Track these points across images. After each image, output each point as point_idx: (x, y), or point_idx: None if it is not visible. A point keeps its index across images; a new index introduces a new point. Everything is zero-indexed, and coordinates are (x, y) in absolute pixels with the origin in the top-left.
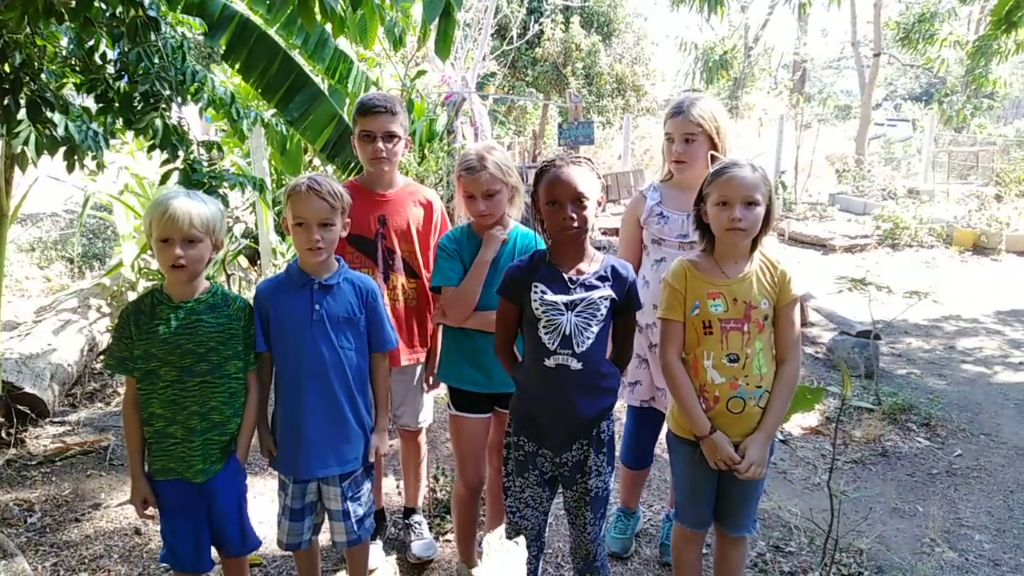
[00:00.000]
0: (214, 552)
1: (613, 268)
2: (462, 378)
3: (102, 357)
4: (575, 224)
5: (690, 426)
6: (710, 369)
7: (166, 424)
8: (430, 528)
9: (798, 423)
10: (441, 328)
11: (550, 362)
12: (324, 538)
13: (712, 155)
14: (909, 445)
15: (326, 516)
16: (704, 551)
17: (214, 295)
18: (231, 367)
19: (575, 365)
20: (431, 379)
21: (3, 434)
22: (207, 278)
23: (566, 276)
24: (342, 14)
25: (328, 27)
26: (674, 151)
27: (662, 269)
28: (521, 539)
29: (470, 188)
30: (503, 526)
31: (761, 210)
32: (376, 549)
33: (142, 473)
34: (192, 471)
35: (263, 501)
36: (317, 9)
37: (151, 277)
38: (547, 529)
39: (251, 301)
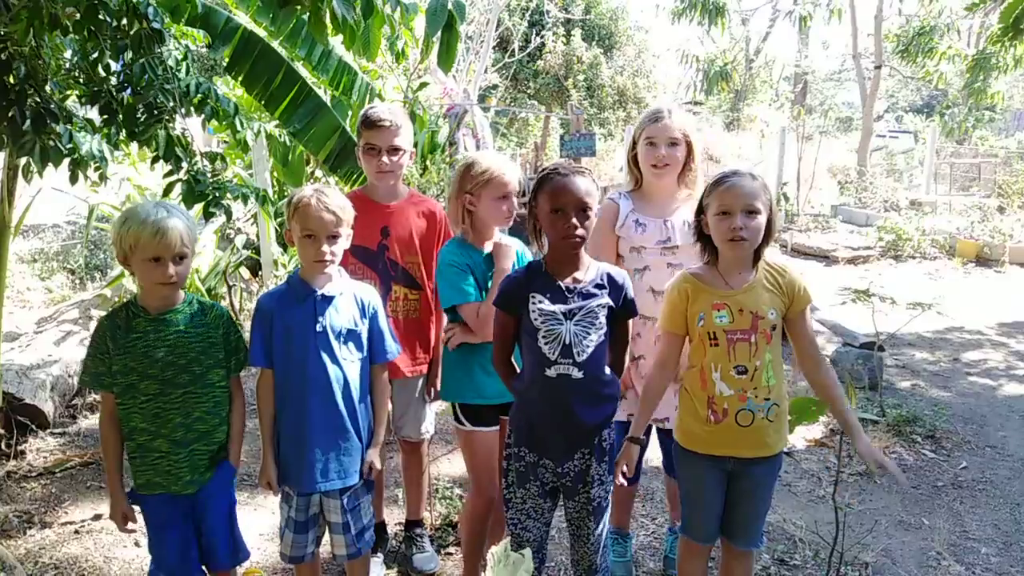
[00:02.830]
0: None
1: (609, 276)
2: (482, 392)
3: None
4: (579, 233)
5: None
6: (718, 381)
7: (150, 438)
8: (432, 541)
9: (802, 435)
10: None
11: (551, 372)
12: (324, 551)
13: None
14: (914, 457)
15: (327, 529)
16: (708, 564)
17: (190, 305)
18: (214, 376)
19: (576, 374)
20: (433, 391)
21: (3, 445)
22: (207, 290)
23: (563, 285)
24: (353, 25)
25: (332, 39)
26: (658, 155)
27: (648, 277)
28: (527, 551)
29: (503, 190)
30: (508, 539)
31: (763, 219)
32: (377, 562)
33: (120, 489)
34: (180, 483)
35: (263, 513)
36: (329, 20)
37: None
38: (548, 541)
39: (250, 312)
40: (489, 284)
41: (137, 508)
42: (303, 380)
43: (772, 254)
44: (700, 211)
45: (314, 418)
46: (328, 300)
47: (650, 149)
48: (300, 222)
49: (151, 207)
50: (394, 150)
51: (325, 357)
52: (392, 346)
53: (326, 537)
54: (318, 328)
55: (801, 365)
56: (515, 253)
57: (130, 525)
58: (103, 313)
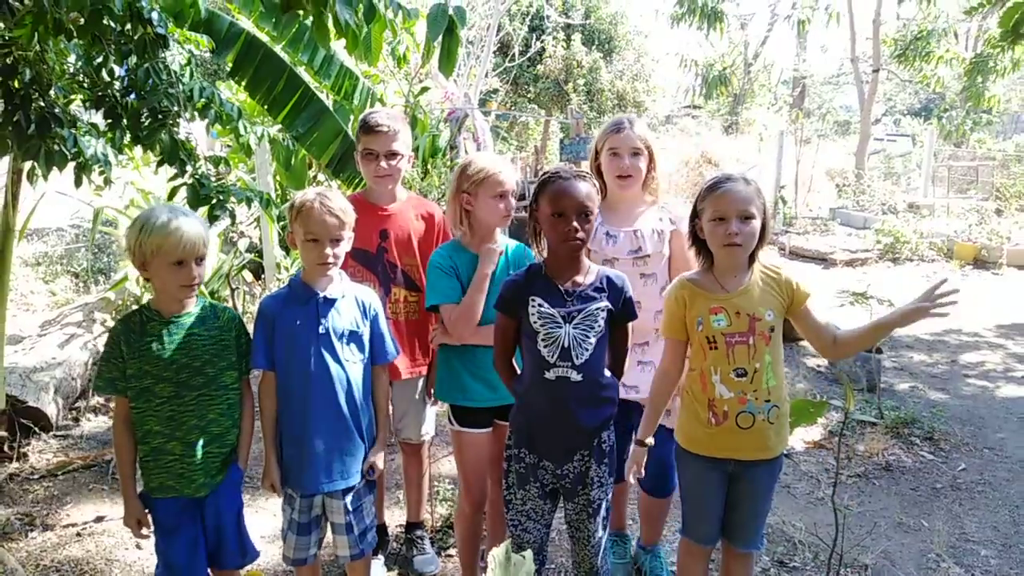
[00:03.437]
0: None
1: (608, 279)
2: (468, 395)
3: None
4: (580, 237)
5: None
6: (718, 384)
7: (164, 441)
8: (432, 543)
9: (801, 437)
10: (439, 347)
11: (550, 375)
12: (324, 552)
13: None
14: (913, 459)
15: (329, 531)
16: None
17: (203, 308)
18: (227, 378)
19: (575, 377)
20: (433, 392)
21: (6, 447)
22: (210, 293)
23: (562, 288)
24: (355, 29)
25: (334, 44)
26: (623, 166)
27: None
28: (528, 553)
29: (499, 189)
30: (508, 541)
31: (757, 223)
32: (378, 564)
33: (135, 495)
34: (193, 486)
35: (265, 516)
36: (331, 25)
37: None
38: (548, 543)
39: (253, 315)
40: None
41: (146, 510)
42: (306, 381)
43: (767, 256)
44: (694, 215)
45: (317, 419)
46: (330, 302)
47: (614, 159)
48: (303, 225)
49: (166, 211)
50: (392, 155)
51: (328, 358)
52: (392, 347)
53: (326, 539)
54: (320, 330)
55: (824, 352)
56: (499, 258)
57: (143, 530)
58: (107, 316)
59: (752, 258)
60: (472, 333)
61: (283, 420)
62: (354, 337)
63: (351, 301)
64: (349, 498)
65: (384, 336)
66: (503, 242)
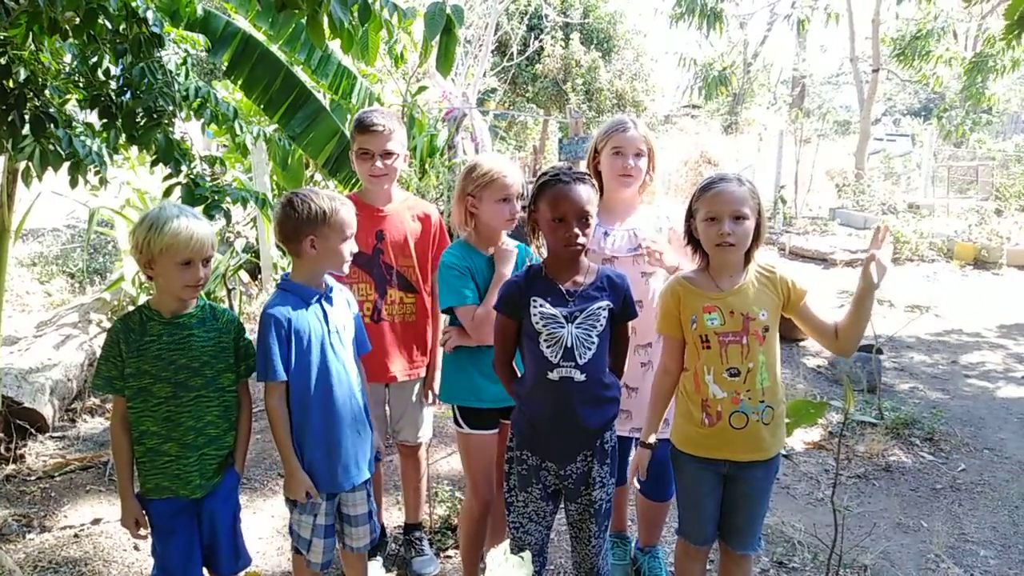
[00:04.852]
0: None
1: (608, 278)
2: (480, 395)
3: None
4: (580, 241)
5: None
6: (711, 384)
7: (160, 441)
8: (431, 544)
9: (801, 438)
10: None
11: (553, 375)
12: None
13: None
14: (912, 460)
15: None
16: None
17: (203, 309)
18: (225, 380)
19: (579, 377)
20: (431, 394)
21: (2, 449)
22: (206, 294)
23: (563, 289)
24: (350, 29)
25: (330, 43)
26: (627, 166)
27: None
28: (527, 554)
29: (504, 192)
30: (507, 542)
31: (751, 224)
32: (376, 565)
33: (132, 494)
34: (188, 488)
35: (263, 517)
36: (326, 24)
37: (152, 292)
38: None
39: (250, 316)
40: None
41: (143, 511)
42: (327, 379)
43: (765, 256)
44: (690, 215)
45: (342, 415)
46: (329, 299)
47: (616, 159)
48: (338, 229)
49: (174, 211)
50: (387, 154)
51: (342, 353)
52: (367, 338)
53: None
54: (330, 327)
55: (830, 346)
56: (515, 258)
57: (141, 531)
58: (103, 317)
59: (748, 258)
60: (491, 334)
61: (304, 424)
62: (349, 329)
63: (340, 296)
64: (367, 486)
65: (362, 327)
66: (508, 247)
